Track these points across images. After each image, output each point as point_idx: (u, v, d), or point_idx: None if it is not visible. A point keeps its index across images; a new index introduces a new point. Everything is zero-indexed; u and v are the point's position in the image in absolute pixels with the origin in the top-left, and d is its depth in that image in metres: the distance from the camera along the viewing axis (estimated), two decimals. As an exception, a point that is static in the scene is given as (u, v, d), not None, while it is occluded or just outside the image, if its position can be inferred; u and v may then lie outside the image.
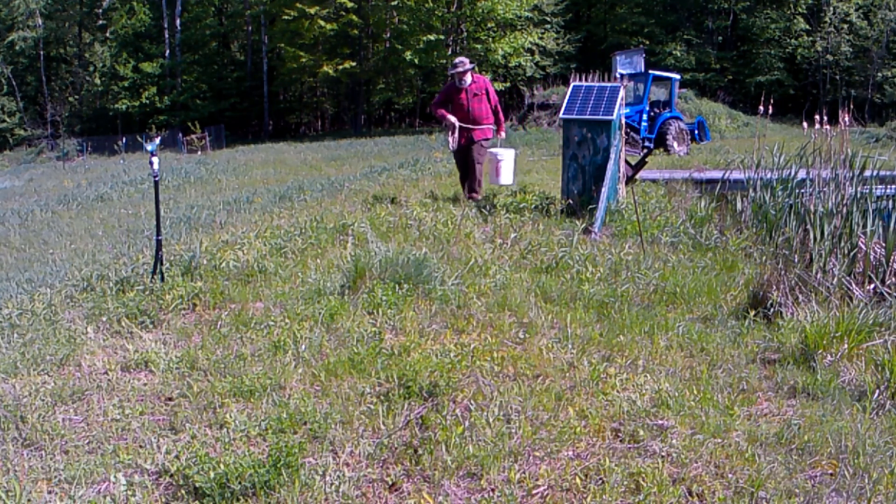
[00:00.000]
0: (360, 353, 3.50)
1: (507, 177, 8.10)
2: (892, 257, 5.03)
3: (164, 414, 3.06)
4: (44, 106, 43.11)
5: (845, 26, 35.48)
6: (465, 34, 33.74)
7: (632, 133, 15.93)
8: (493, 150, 8.00)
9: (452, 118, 8.03)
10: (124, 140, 32.28)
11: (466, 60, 8.15)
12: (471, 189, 8.13)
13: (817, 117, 8.29)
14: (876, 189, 6.68)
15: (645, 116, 17.12)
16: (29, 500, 2.39)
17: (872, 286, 4.88)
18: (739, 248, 6.08)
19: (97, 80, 42.48)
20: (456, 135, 8.07)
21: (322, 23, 33.52)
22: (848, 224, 5.76)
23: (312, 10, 33.15)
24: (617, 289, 4.77)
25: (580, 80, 17.84)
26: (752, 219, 7.24)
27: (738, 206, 7.78)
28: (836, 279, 4.79)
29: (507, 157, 7.98)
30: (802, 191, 7.14)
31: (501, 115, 8.25)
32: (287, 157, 22.80)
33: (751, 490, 2.46)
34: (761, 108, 9.91)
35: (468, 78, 7.99)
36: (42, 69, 43.99)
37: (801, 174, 7.54)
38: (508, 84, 36.41)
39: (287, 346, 3.65)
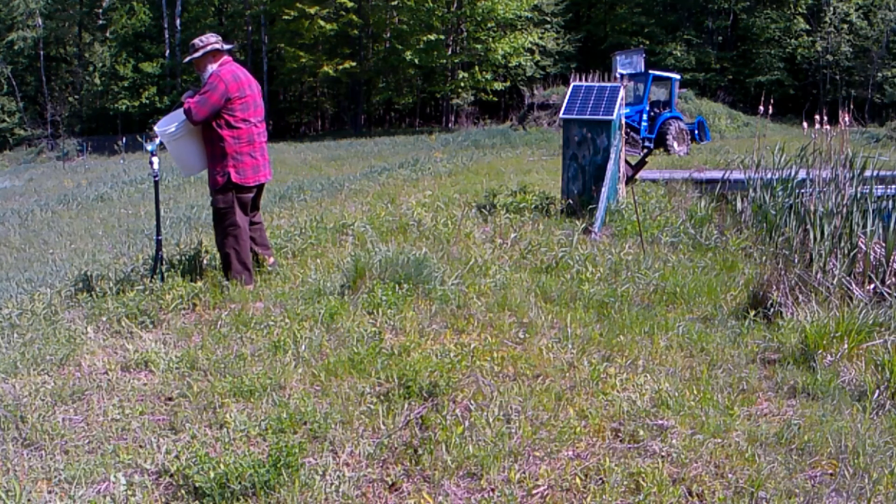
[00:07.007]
0: (360, 353, 3.50)
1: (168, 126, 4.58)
2: (892, 257, 5.03)
3: (164, 414, 3.06)
4: (44, 106, 43.08)
5: (845, 26, 35.44)
6: (465, 34, 33.72)
7: (632, 133, 15.94)
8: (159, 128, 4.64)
9: None
10: (124, 140, 32.27)
11: (199, 42, 4.76)
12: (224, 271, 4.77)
13: (817, 117, 8.30)
14: (876, 189, 6.68)
15: (645, 116, 17.12)
16: (29, 500, 2.39)
17: (872, 286, 4.88)
18: (739, 248, 6.08)
19: (97, 80, 42.45)
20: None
21: (322, 23, 33.49)
22: (848, 224, 5.76)
23: (312, 10, 33.11)
24: (617, 289, 4.77)
25: (580, 80, 17.83)
26: (752, 219, 7.24)
27: (738, 206, 7.78)
28: (836, 279, 4.79)
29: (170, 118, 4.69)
30: (802, 191, 7.14)
31: (193, 98, 4.55)
32: (287, 156, 22.76)
33: (751, 490, 2.46)
34: (761, 108, 9.92)
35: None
36: (42, 69, 43.95)
37: (801, 174, 7.54)
38: (508, 84, 36.42)
39: (287, 346, 3.65)
